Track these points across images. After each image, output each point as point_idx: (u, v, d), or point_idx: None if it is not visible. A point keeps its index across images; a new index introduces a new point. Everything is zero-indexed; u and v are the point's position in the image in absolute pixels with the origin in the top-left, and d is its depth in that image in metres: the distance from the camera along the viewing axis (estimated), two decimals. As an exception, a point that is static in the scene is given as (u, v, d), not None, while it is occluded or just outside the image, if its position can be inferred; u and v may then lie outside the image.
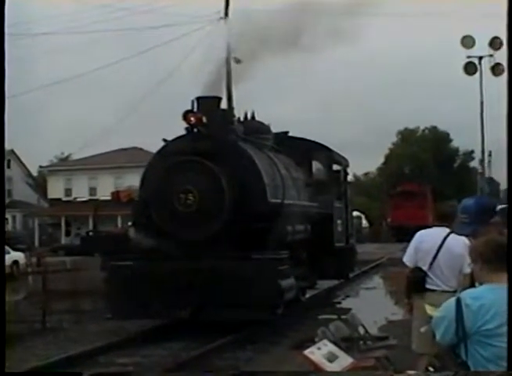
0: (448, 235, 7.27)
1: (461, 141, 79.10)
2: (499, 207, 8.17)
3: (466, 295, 3.54)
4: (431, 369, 3.60)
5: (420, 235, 7.53)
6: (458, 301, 3.48)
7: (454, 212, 7.60)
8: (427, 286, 7.24)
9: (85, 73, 74.99)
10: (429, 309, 4.93)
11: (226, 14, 27.89)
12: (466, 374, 3.45)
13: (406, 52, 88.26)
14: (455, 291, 7.18)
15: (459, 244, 7.17)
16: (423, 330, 5.01)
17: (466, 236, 4.92)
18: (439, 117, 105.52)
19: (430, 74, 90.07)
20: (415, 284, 7.32)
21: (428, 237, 7.42)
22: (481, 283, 3.61)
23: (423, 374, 3.55)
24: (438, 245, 7.24)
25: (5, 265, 5.53)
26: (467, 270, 7.14)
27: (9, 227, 53.27)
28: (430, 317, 4.85)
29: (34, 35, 57.51)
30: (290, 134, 17.86)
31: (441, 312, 3.60)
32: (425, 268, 7.25)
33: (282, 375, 4.97)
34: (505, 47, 3.86)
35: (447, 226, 7.35)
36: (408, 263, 7.44)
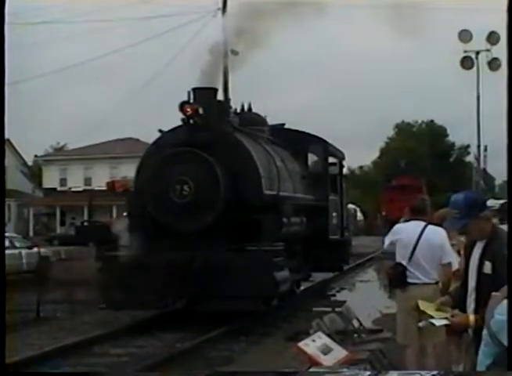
0: (425, 227, 7.33)
1: (457, 135, 79.24)
2: (500, 202, 8.24)
3: None
4: None
5: (398, 230, 7.59)
6: None
7: (426, 206, 7.72)
8: (408, 280, 7.29)
9: (82, 63, 74.71)
10: (422, 305, 4.91)
11: (224, 5, 27.82)
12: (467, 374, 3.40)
13: (405, 47, 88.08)
14: (436, 283, 7.23)
15: (436, 235, 7.24)
16: (421, 324, 5.02)
17: (460, 231, 4.98)
18: (436, 112, 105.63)
19: (429, 69, 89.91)
20: (396, 279, 7.38)
21: (405, 232, 7.48)
22: None
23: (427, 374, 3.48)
24: (415, 238, 7.30)
25: (5, 266, 5.49)
26: (446, 260, 7.22)
27: None
28: (424, 312, 4.85)
29: (33, 24, 57.22)
30: (286, 126, 17.87)
31: (505, 315, 3.44)
32: (404, 262, 7.30)
33: None
34: (505, 45, 3.84)
35: (423, 220, 7.42)
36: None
